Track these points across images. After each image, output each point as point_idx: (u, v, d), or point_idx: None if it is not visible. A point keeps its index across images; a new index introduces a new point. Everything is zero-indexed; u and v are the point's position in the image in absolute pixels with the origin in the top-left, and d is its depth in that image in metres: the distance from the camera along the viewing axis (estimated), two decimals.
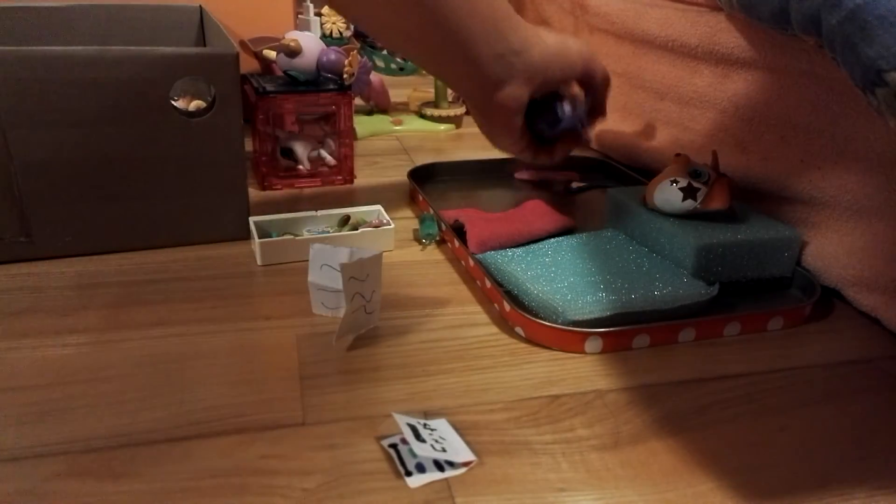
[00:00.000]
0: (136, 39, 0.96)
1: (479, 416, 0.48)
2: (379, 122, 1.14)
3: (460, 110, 1.15)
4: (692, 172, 0.66)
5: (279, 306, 0.61)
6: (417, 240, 0.74)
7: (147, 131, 0.65)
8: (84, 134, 0.63)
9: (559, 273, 0.62)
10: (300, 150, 0.88)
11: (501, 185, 0.91)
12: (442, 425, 0.46)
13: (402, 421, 0.45)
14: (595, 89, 0.68)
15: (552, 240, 0.69)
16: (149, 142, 0.66)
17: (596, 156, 0.99)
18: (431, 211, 0.76)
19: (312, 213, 0.73)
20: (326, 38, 1.12)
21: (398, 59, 1.27)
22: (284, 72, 0.87)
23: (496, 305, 0.61)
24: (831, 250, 0.64)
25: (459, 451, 0.44)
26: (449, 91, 1.16)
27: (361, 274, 0.54)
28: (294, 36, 0.84)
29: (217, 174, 0.69)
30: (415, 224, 0.77)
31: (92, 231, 0.67)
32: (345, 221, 0.73)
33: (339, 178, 0.89)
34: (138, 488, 0.41)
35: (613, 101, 0.97)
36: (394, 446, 0.45)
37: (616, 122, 0.96)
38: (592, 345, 0.55)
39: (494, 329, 0.59)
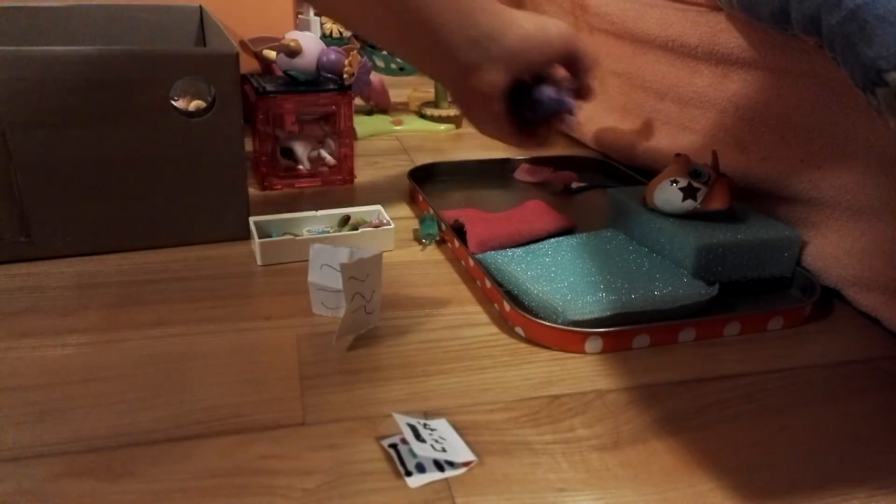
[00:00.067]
0: (136, 39, 0.96)
1: (478, 416, 0.48)
2: (379, 122, 1.14)
3: None
4: (692, 172, 0.66)
5: (279, 306, 0.61)
6: (417, 240, 0.74)
7: (147, 131, 0.65)
8: (84, 134, 0.63)
9: (559, 273, 0.62)
10: (300, 150, 0.88)
11: (501, 185, 0.91)
12: (442, 425, 0.46)
13: (402, 421, 0.45)
14: (579, 71, 0.66)
15: (552, 240, 0.69)
16: (149, 142, 0.66)
17: (596, 156, 0.99)
18: (431, 211, 0.76)
19: (312, 213, 0.73)
20: (326, 38, 1.12)
21: (398, 59, 1.27)
22: (284, 72, 0.87)
23: (496, 305, 0.61)
24: (831, 250, 0.64)
25: (459, 451, 0.44)
26: None
27: (361, 274, 0.54)
28: (294, 36, 0.84)
29: (217, 174, 0.69)
30: (415, 224, 0.77)
31: (92, 231, 0.67)
32: (345, 221, 0.73)
33: (339, 178, 0.89)
34: (138, 488, 0.41)
35: (613, 101, 0.97)
36: (394, 446, 0.45)
37: (616, 122, 0.96)
38: (592, 345, 0.55)
39: (494, 329, 0.59)
